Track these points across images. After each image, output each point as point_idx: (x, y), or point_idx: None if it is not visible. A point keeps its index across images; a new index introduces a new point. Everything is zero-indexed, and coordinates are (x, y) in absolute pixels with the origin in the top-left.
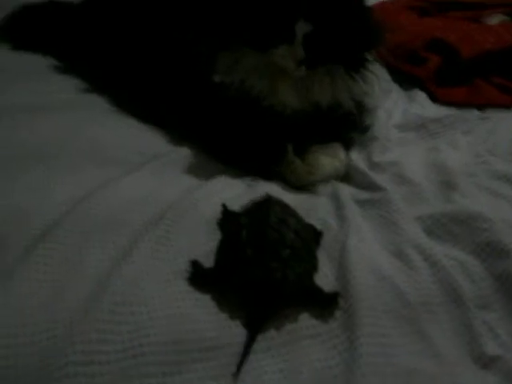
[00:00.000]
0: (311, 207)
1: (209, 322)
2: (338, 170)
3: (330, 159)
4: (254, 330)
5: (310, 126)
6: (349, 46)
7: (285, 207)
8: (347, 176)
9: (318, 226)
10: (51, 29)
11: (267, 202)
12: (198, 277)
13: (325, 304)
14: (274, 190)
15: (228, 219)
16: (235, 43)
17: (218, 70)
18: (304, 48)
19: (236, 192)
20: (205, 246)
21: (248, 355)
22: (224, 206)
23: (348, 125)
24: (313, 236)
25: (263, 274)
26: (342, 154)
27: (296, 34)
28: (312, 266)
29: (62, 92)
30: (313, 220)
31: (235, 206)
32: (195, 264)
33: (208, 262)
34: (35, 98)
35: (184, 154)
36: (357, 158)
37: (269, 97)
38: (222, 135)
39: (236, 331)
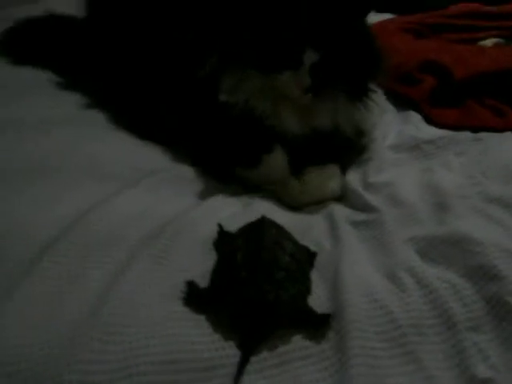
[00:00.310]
0: (306, 228)
1: (204, 342)
2: (334, 191)
3: (325, 180)
4: (247, 350)
5: (308, 148)
6: (354, 75)
7: (279, 229)
8: (342, 196)
9: (312, 247)
10: (51, 43)
11: (262, 224)
12: (193, 297)
13: (317, 325)
14: (270, 209)
15: (223, 240)
16: (241, 64)
17: (222, 89)
18: (310, 76)
19: (233, 211)
20: (201, 265)
21: (242, 376)
22: (220, 226)
23: (346, 148)
24: (307, 258)
25: (256, 296)
26: (338, 175)
27: (303, 62)
28: (305, 287)
29: (62, 107)
30: (307, 241)
31: (232, 225)
32: (191, 284)
33: (204, 281)
34: (36, 113)
35: (182, 170)
36: (352, 178)
37: (271, 118)
38: (224, 154)
39: (230, 352)
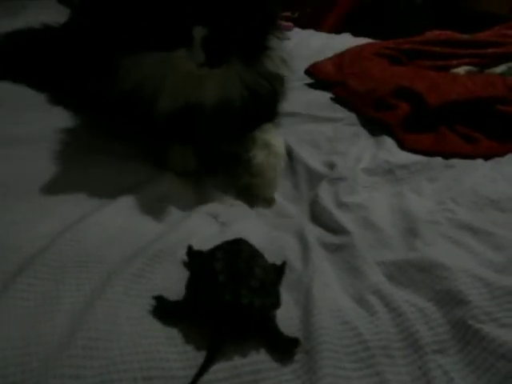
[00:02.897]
0: (278, 248)
1: (179, 360)
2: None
3: (269, 157)
4: (214, 348)
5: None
6: (248, 41)
7: (253, 248)
8: (314, 213)
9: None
10: (27, 57)
11: (239, 241)
12: (163, 310)
13: (284, 348)
14: (245, 228)
15: (194, 258)
16: (136, 48)
17: (120, 76)
18: (204, 50)
19: (210, 232)
20: (178, 285)
21: (203, 373)
22: (189, 247)
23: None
24: (276, 275)
25: (232, 298)
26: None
27: (194, 37)
28: (276, 300)
29: (39, 123)
30: (278, 261)
31: (209, 245)
32: (159, 298)
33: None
34: (13, 130)
35: (157, 188)
36: (325, 195)
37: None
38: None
39: None
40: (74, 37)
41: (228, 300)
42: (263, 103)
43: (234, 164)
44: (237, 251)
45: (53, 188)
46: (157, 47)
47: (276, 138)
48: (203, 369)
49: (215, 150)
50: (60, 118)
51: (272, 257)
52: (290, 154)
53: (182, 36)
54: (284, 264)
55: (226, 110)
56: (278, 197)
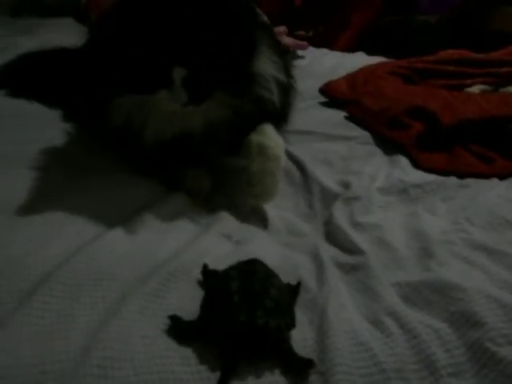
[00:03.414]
0: (292, 268)
1: (193, 380)
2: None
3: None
4: (227, 369)
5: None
6: (229, 72)
7: (268, 268)
8: (328, 233)
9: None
10: (44, 77)
11: (254, 262)
12: (178, 329)
13: (298, 369)
14: (259, 247)
15: (209, 277)
16: (122, 90)
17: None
18: (186, 90)
19: (224, 251)
20: (193, 304)
21: None
22: (204, 266)
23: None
24: (291, 295)
25: (247, 319)
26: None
27: (174, 79)
28: (291, 321)
29: (49, 141)
30: (293, 281)
31: (223, 264)
32: (174, 318)
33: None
34: (24, 147)
35: (169, 207)
36: (340, 215)
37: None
38: None
39: None
40: (82, 64)
41: (243, 320)
42: (252, 125)
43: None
44: (252, 271)
45: (65, 207)
46: (139, 90)
47: (272, 138)
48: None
49: (213, 167)
50: (70, 137)
51: (286, 276)
52: (304, 171)
53: (162, 78)
54: (299, 284)
55: (213, 135)
56: (291, 215)
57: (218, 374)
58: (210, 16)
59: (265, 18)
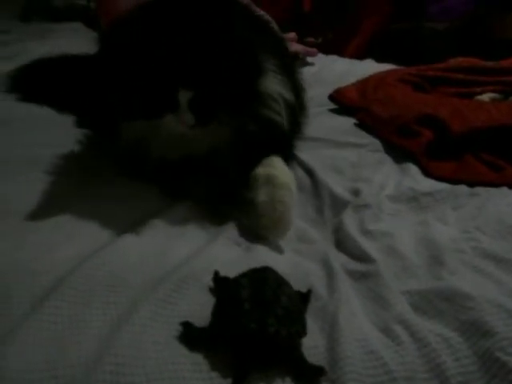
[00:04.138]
0: (302, 275)
1: None
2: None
3: (274, 192)
4: (239, 377)
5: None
6: (235, 93)
7: (279, 275)
8: (338, 240)
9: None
10: (57, 83)
11: (265, 269)
12: (189, 335)
13: (309, 377)
14: (268, 255)
15: (220, 285)
16: (130, 117)
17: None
18: (192, 112)
19: (234, 258)
20: (204, 311)
21: None
22: (216, 273)
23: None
24: (302, 302)
25: (258, 327)
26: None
27: (179, 102)
28: (302, 329)
29: (60, 146)
30: (303, 288)
31: (232, 271)
32: (186, 324)
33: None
34: (33, 151)
35: (178, 213)
36: (350, 222)
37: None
38: None
39: None
40: (93, 75)
41: (254, 328)
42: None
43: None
44: (263, 279)
45: (77, 212)
46: (147, 115)
47: (280, 169)
48: None
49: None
50: (81, 143)
51: (296, 283)
52: (313, 178)
53: (168, 102)
54: (309, 292)
55: (217, 157)
56: (301, 222)
57: (229, 381)
58: (214, 37)
59: (275, 26)
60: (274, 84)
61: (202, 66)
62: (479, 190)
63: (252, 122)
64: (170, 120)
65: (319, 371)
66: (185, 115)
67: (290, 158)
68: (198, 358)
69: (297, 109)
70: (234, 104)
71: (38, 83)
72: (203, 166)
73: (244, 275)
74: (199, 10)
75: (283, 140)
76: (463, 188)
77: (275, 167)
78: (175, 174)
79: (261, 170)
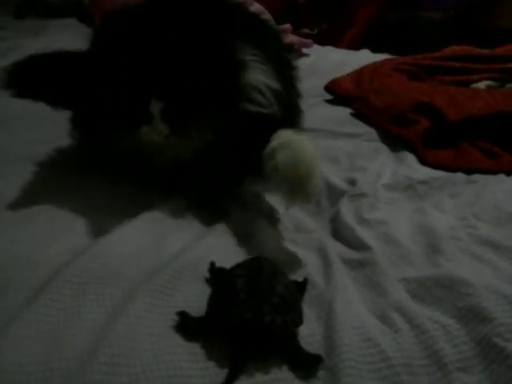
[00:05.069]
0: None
1: (201, 376)
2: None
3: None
4: (235, 368)
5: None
6: (212, 96)
7: (275, 265)
8: (335, 229)
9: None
10: (52, 79)
11: (260, 259)
12: (185, 325)
13: (306, 365)
14: (265, 244)
15: (216, 275)
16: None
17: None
18: (166, 122)
19: (230, 247)
20: (200, 301)
21: None
22: (212, 264)
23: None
24: (298, 291)
25: (253, 316)
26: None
27: (152, 113)
28: (298, 318)
29: (53, 141)
30: (299, 277)
31: (229, 261)
32: (182, 314)
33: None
34: (28, 147)
35: (175, 205)
36: (346, 211)
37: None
38: None
39: None
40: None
41: (250, 318)
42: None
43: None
44: (258, 268)
45: (72, 205)
46: (124, 128)
47: (295, 136)
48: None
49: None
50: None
51: (292, 272)
52: None
53: (142, 114)
54: (306, 281)
55: (205, 158)
56: (297, 211)
57: (226, 371)
58: (184, 43)
59: (268, 16)
60: (258, 75)
61: (172, 74)
62: (476, 177)
63: (238, 119)
64: (146, 131)
65: (316, 359)
66: (158, 126)
67: None
68: (195, 348)
69: (290, 97)
70: (212, 107)
71: (33, 79)
72: (194, 167)
73: (239, 265)
74: (177, 14)
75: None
76: (460, 176)
77: (289, 135)
78: (167, 177)
79: (274, 142)
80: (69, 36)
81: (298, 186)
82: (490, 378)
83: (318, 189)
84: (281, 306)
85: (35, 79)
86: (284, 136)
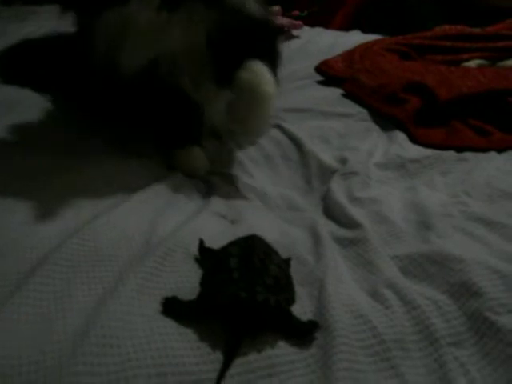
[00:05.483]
0: (290, 243)
1: (192, 356)
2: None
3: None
4: (232, 349)
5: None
6: None
7: (267, 244)
8: (327, 208)
9: (295, 261)
10: (39, 64)
11: (253, 238)
12: (177, 311)
13: (303, 333)
14: (257, 223)
15: (206, 255)
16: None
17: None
18: None
19: (220, 229)
20: (191, 281)
21: (224, 372)
22: (201, 242)
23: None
24: (289, 270)
25: (247, 296)
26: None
27: None
28: (291, 297)
29: (48, 125)
30: (292, 255)
31: (220, 242)
32: (172, 300)
33: (193, 296)
34: (31, 132)
35: (164, 187)
36: (338, 190)
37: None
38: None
39: (218, 366)
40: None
41: (243, 297)
42: (238, 41)
43: None
44: (251, 247)
45: (62, 188)
46: (112, 3)
47: (262, 75)
48: (225, 368)
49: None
50: (61, 121)
51: (284, 251)
52: (300, 148)
53: None
54: (289, 259)
55: (196, 57)
56: (289, 190)
57: (218, 350)
58: None
59: None
60: None
61: None
62: (467, 155)
63: (225, 14)
64: (136, 5)
65: (313, 325)
66: None
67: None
68: (186, 329)
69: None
70: None
71: (20, 65)
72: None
73: (232, 244)
74: None
75: (264, 36)
76: (451, 153)
77: (257, 72)
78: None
79: (243, 75)
80: (56, 21)
81: (252, 108)
82: (481, 352)
83: (268, 126)
84: (274, 286)
85: (22, 65)
86: (255, 71)
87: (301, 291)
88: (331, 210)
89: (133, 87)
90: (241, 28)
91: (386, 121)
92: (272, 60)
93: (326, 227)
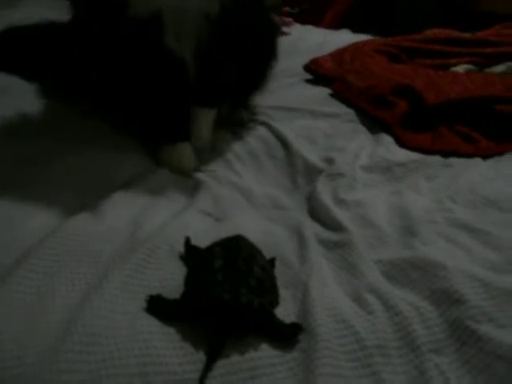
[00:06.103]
0: (274, 244)
1: (175, 356)
2: None
3: None
4: (215, 350)
5: None
6: None
7: (252, 245)
8: (312, 209)
9: (279, 262)
10: (28, 51)
11: (237, 238)
12: (161, 309)
13: (286, 336)
14: (241, 222)
15: (191, 253)
16: None
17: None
18: None
19: (205, 226)
20: (176, 279)
21: (207, 373)
22: (187, 239)
23: None
24: (273, 271)
25: (231, 297)
26: None
27: None
28: (275, 299)
29: (36, 116)
30: (275, 255)
31: (205, 240)
32: (156, 298)
33: (178, 295)
34: (17, 122)
35: (153, 182)
36: (323, 191)
37: None
38: None
39: (201, 367)
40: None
41: (227, 299)
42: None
43: None
44: (235, 248)
45: (47, 182)
46: None
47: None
48: (207, 369)
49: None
50: (49, 109)
51: (268, 252)
52: (287, 147)
53: None
54: (273, 259)
55: (204, 22)
56: (274, 189)
57: (201, 350)
58: None
59: None
60: None
61: None
62: (452, 160)
63: None
64: None
65: (296, 327)
66: None
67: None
68: (170, 328)
69: None
70: None
71: (8, 52)
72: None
73: (217, 244)
74: None
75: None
76: (437, 158)
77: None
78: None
79: None
80: (50, 8)
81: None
82: (461, 360)
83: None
84: (257, 288)
85: (11, 52)
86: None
87: (285, 293)
88: (316, 212)
89: (132, 43)
90: (251, 15)
91: (373, 122)
92: (268, 58)
93: (311, 229)
